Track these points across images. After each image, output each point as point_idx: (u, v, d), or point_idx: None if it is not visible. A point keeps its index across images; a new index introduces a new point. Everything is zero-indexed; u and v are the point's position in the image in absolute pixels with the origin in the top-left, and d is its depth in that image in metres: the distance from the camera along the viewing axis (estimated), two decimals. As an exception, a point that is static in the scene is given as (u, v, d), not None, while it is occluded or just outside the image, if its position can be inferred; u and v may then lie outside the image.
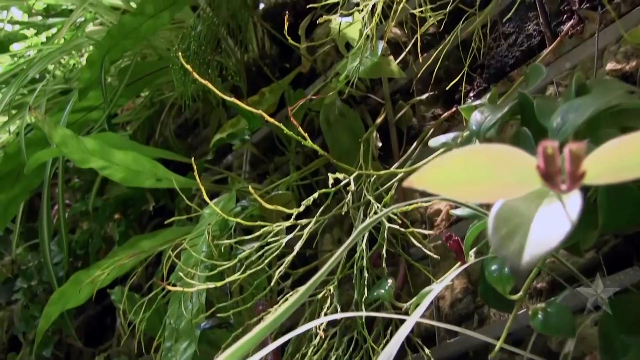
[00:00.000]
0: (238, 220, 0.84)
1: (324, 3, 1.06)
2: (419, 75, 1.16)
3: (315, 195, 0.84)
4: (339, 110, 1.15)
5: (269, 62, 1.47)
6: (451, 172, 0.47)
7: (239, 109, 1.21)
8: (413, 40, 1.11)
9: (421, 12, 1.00)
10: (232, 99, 0.78)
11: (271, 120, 0.79)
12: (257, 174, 1.49)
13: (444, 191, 0.49)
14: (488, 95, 0.85)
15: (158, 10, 1.52)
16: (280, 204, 0.91)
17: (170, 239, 1.29)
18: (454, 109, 1.12)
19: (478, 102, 0.86)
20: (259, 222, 0.82)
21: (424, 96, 1.16)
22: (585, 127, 0.67)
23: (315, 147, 0.79)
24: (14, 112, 1.83)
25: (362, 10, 1.07)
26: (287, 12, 1.44)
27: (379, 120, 1.15)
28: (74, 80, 1.69)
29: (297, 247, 0.81)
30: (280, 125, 0.78)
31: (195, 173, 0.86)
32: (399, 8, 1.01)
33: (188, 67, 0.78)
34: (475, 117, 0.79)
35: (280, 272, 0.81)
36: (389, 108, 1.19)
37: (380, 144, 1.13)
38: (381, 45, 1.05)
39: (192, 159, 1.25)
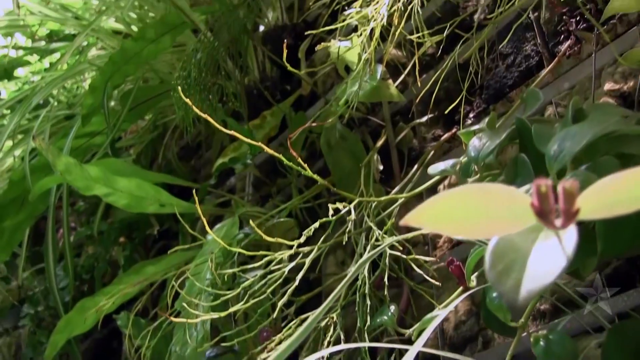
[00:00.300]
0: (240, 250, 0.85)
1: (321, 30, 1.06)
2: (419, 98, 1.16)
3: (316, 225, 0.84)
4: (339, 134, 1.15)
5: (270, 85, 1.47)
6: (447, 211, 0.47)
7: (241, 134, 1.21)
8: (412, 63, 1.12)
9: (419, 37, 1.01)
10: (232, 132, 0.79)
11: (270, 151, 0.80)
12: (260, 196, 1.50)
13: (440, 229, 0.49)
14: (487, 119, 0.86)
15: (159, 35, 1.54)
16: (282, 231, 0.92)
17: (175, 264, 1.30)
18: (454, 130, 1.12)
19: (477, 126, 0.86)
20: (261, 252, 0.83)
21: (424, 119, 1.17)
22: (583, 153, 0.68)
23: (315, 176, 0.79)
24: (20, 136, 1.84)
25: (361, 34, 1.08)
26: (286, 35, 1.46)
27: (379, 143, 1.16)
28: (77, 105, 1.71)
29: (298, 277, 0.81)
30: (280, 156, 0.79)
31: (197, 203, 0.87)
32: (397, 32, 1.02)
33: (188, 101, 0.79)
34: (474, 143, 0.79)
35: (283, 301, 0.82)
36: (389, 130, 1.20)
37: (381, 167, 1.13)
38: (380, 69, 1.06)
39: (195, 184, 1.25)
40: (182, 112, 1.24)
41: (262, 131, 1.33)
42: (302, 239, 0.82)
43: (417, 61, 1.05)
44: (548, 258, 0.47)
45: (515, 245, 0.49)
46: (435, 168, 0.81)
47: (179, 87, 1.10)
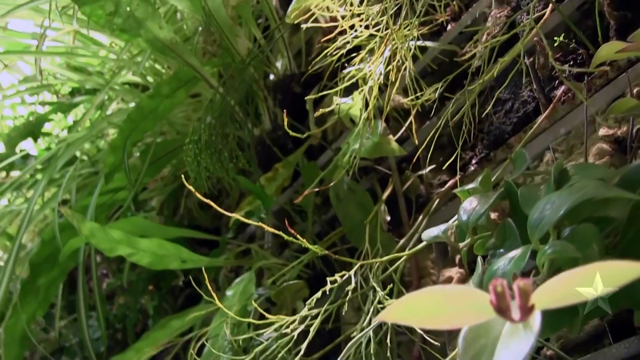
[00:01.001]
0: (251, 320, 0.90)
1: (328, 92, 1.11)
2: (424, 145, 1.19)
3: (318, 294, 0.89)
4: (347, 186, 1.20)
5: (282, 134, 1.53)
6: (418, 308, 0.52)
7: (252, 191, 1.28)
8: (414, 112, 1.16)
9: (416, 94, 1.06)
10: (237, 216, 0.84)
11: (277, 232, 0.85)
12: (280, 243, 1.55)
13: (413, 322, 0.54)
14: (480, 178, 0.90)
15: (173, 90, 1.61)
16: (293, 291, 0.97)
17: (200, 316, 1.36)
18: (457, 177, 1.16)
19: (471, 185, 0.90)
20: (269, 319, 0.88)
21: (427, 170, 1.21)
22: (566, 217, 0.72)
23: (321, 250, 0.84)
24: (53, 190, 1.94)
25: (361, 91, 1.13)
26: (295, 84, 1.51)
27: (385, 194, 1.20)
28: (100, 162, 1.79)
29: (304, 346, 0.86)
30: (292, 238, 0.84)
31: (206, 277, 0.92)
32: (393, 90, 1.07)
33: (191, 188, 0.84)
34: (465, 206, 0.83)
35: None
36: (395, 179, 1.24)
37: (388, 218, 1.18)
38: (380, 125, 1.11)
39: (216, 236, 1.31)
40: (194, 174, 1.31)
41: (274, 183, 1.38)
42: (303, 312, 0.87)
43: (414, 117, 1.09)
44: (514, 344, 0.51)
45: (484, 332, 0.54)
46: (428, 234, 0.85)
47: (191, 152, 1.17)
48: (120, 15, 1.49)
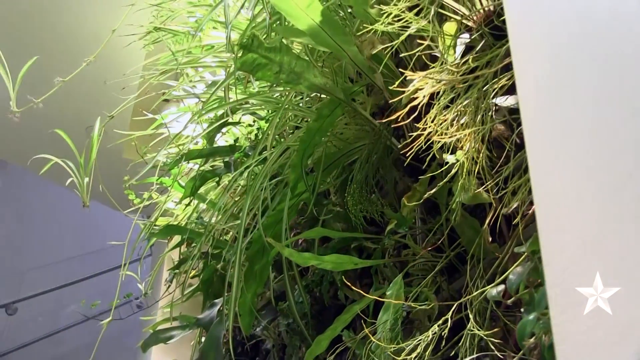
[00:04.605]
0: (393, 349, 1.67)
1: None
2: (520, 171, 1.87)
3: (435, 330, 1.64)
4: (461, 214, 1.91)
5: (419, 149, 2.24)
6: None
7: (394, 218, 2.02)
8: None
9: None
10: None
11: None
12: (427, 229, 2.28)
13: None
14: (529, 241, 1.58)
15: (331, 110, 2.35)
16: (424, 312, 1.73)
17: (374, 298, 2.17)
18: (538, 205, 1.83)
19: (522, 249, 1.59)
20: (406, 343, 1.65)
21: (513, 205, 1.88)
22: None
23: (451, 253, 1.59)
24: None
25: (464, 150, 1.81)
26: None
27: (488, 218, 1.89)
28: (284, 173, 2.60)
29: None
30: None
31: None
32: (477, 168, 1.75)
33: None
34: (516, 271, 1.53)
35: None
36: (496, 203, 1.92)
37: (490, 239, 1.88)
38: (474, 183, 1.80)
39: (378, 236, 2.09)
40: (353, 213, 2.08)
41: (414, 198, 2.11)
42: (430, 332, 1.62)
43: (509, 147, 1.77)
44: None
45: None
46: (490, 293, 1.56)
47: (350, 202, 1.93)
48: (284, 72, 2.24)
